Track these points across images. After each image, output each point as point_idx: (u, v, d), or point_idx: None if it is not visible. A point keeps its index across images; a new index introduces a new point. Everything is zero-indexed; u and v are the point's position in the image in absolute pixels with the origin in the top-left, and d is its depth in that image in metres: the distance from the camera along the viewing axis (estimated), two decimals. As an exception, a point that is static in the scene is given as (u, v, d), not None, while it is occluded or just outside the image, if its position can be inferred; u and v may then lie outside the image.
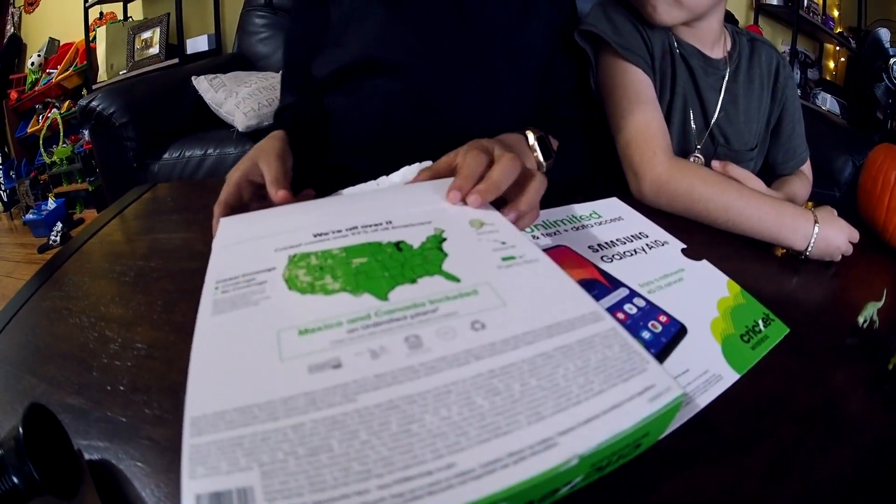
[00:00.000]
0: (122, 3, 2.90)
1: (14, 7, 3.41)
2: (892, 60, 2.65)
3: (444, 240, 0.41)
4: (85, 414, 0.38)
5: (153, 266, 0.54)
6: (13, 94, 3.29)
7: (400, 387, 0.28)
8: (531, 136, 0.69)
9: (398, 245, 0.40)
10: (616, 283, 0.52)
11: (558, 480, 0.26)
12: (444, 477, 0.24)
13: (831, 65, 3.23)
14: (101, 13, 2.96)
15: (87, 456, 0.35)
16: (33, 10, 3.32)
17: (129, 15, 2.92)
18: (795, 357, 0.47)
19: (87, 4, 2.79)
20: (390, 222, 0.43)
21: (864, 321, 0.51)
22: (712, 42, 0.82)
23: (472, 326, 0.32)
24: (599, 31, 0.76)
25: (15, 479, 0.29)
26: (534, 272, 0.37)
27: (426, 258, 0.39)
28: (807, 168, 0.92)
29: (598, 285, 0.51)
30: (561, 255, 0.56)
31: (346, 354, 0.30)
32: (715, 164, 0.72)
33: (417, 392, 0.28)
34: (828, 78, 3.17)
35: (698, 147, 0.82)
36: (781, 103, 0.88)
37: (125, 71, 2.67)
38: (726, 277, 0.56)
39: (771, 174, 0.93)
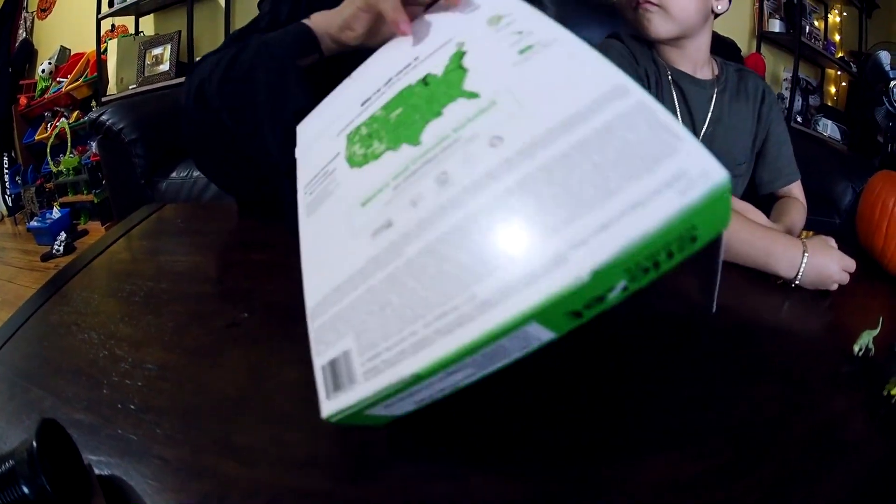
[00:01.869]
0: (133, 18, 2.94)
1: (27, 12, 3.44)
2: (892, 83, 2.65)
3: (464, 53, 0.40)
4: (95, 430, 0.39)
5: (163, 288, 0.55)
6: (23, 100, 3.31)
7: (433, 228, 0.30)
8: None
9: (425, 80, 0.41)
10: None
11: (587, 293, 0.26)
12: (467, 310, 0.27)
13: (833, 90, 3.25)
14: (113, 25, 3.00)
15: (96, 471, 0.35)
16: (46, 16, 3.35)
17: (140, 30, 2.95)
18: (791, 385, 0.48)
19: (99, 16, 2.83)
20: (416, 58, 0.44)
21: (860, 349, 0.52)
22: (701, 64, 0.89)
23: (491, 143, 0.32)
24: None
25: (26, 490, 0.30)
26: (551, 56, 0.35)
27: (448, 83, 0.38)
28: (799, 193, 0.95)
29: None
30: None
31: (394, 212, 0.33)
32: None
33: (447, 229, 0.30)
34: (829, 104, 3.18)
35: None
36: (767, 126, 0.93)
37: (135, 86, 2.70)
38: None
39: (755, 194, 0.97)
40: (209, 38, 2.70)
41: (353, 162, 0.40)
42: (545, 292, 0.25)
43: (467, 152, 0.32)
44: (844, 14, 3.18)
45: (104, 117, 1.73)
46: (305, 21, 0.64)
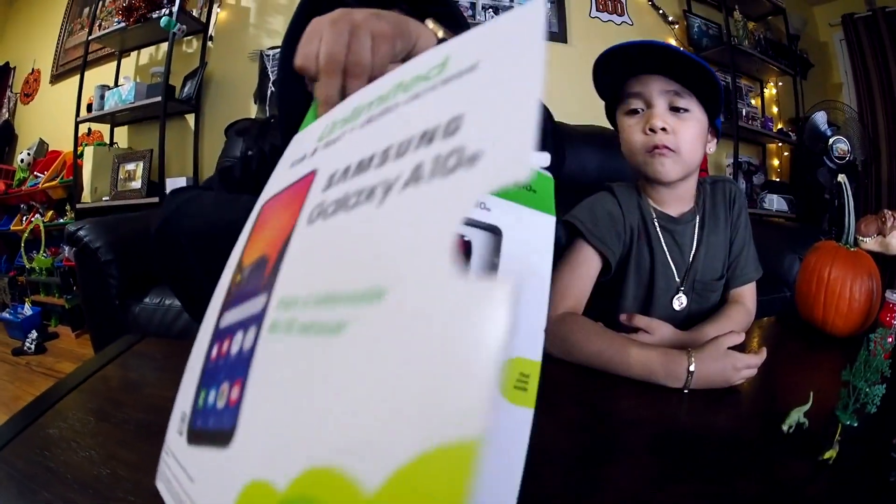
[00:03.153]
0: (109, 126, 3.03)
1: (11, 92, 3.49)
2: (831, 140, 2.76)
3: None
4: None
5: (152, 420, 0.57)
6: (1, 185, 3.32)
7: None
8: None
9: None
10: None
11: None
12: None
13: (776, 163, 3.37)
14: (90, 130, 3.09)
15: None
16: (29, 101, 3.41)
17: (115, 140, 3.04)
18: (715, 474, 0.50)
19: (77, 119, 2.90)
20: None
21: (790, 427, 0.54)
22: (687, 200, 0.94)
23: None
24: (577, 222, 0.88)
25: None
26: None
27: None
28: (748, 295, 0.97)
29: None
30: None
31: None
32: (622, 316, 0.82)
33: None
34: (774, 178, 3.30)
35: (682, 289, 0.92)
36: (736, 228, 0.97)
37: (108, 198, 2.75)
38: None
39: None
40: (178, 157, 2.78)
41: None
42: None
43: None
44: (780, 84, 3.34)
45: (81, 233, 1.76)
46: None
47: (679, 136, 0.84)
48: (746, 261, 0.97)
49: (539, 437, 0.52)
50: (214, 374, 0.28)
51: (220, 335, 0.29)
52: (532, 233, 0.32)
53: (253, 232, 0.32)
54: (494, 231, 0.32)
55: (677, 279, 0.92)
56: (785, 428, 0.55)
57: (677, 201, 0.93)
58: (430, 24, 0.52)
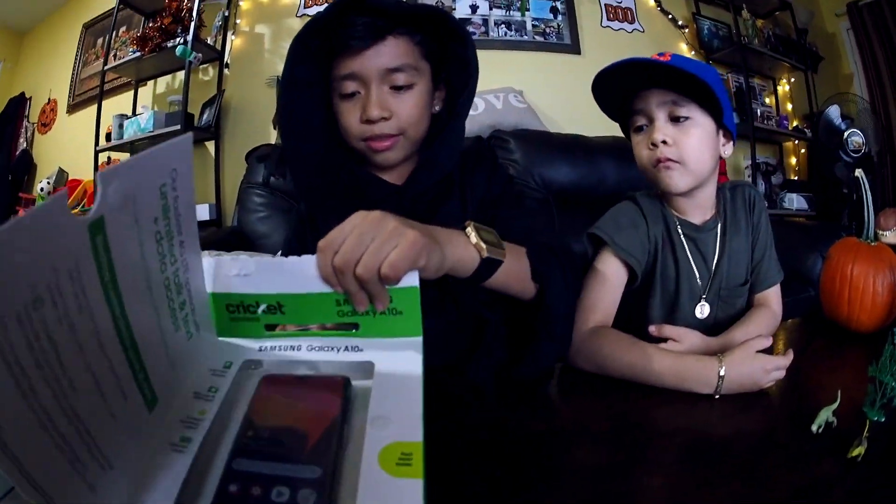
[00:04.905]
0: (129, 154, 3.03)
1: (28, 122, 3.49)
2: (846, 134, 2.75)
3: None
4: None
5: None
6: (21, 213, 3.35)
7: None
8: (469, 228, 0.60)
9: None
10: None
11: None
12: None
13: (793, 161, 3.35)
14: (109, 158, 3.12)
15: None
16: (46, 131, 3.41)
17: (135, 169, 3.07)
18: (748, 476, 0.50)
19: (97, 148, 2.92)
20: None
21: (819, 427, 0.55)
22: (709, 207, 0.95)
23: None
24: (602, 233, 0.89)
25: None
26: None
27: None
28: (774, 298, 0.98)
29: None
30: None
31: None
32: (651, 328, 0.82)
33: None
34: (792, 177, 3.27)
35: (704, 296, 0.93)
36: (757, 232, 0.97)
37: (130, 227, 2.78)
38: None
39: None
40: (200, 185, 2.72)
41: None
42: None
43: None
44: (793, 80, 3.33)
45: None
46: None
47: (682, 146, 0.84)
48: (769, 264, 0.98)
49: (573, 450, 0.53)
50: None
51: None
52: (401, 355, 0.43)
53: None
54: (369, 364, 0.43)
55: (700, 288, 0.92)
56: (814, 428, 0.55)
57: (698, 209, 0.94)
58: (472, 236, 0.59)
